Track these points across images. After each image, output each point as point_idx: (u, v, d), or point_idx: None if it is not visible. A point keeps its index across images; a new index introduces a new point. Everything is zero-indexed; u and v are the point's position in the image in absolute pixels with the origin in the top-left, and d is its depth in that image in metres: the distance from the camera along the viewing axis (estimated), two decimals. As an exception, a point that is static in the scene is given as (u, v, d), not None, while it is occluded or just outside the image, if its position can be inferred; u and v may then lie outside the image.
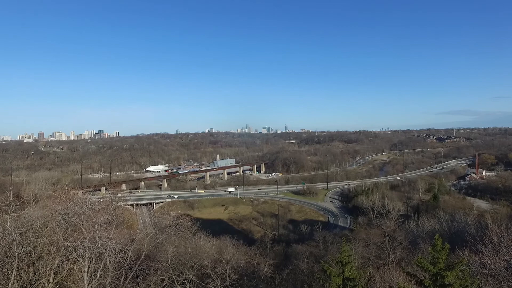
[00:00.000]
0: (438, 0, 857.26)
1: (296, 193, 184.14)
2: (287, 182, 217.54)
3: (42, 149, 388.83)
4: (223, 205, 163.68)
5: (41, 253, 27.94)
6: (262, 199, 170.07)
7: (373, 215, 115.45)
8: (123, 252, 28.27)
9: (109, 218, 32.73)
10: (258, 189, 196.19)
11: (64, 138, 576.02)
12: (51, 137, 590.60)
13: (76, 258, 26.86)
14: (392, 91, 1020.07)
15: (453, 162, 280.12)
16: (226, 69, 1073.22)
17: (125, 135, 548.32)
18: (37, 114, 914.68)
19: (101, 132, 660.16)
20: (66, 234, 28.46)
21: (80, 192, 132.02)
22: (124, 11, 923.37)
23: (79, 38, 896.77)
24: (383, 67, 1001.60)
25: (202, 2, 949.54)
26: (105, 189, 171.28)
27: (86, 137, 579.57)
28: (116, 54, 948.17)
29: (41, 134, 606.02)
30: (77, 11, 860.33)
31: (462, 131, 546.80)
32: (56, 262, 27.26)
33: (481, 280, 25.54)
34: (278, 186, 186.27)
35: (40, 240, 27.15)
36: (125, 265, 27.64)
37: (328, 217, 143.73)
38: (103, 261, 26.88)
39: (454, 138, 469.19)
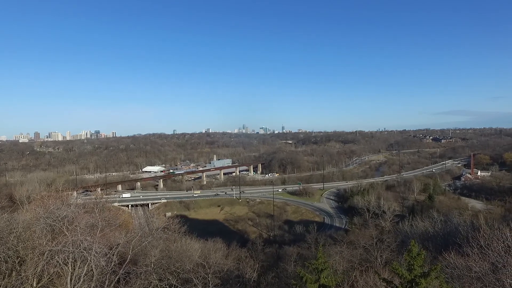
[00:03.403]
0: (435, 0, 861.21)
1: (292, 193, 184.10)
2: (283, 182, 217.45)
3: (38, 149, 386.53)
4: (219, 206, 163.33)
5: (24, 257, 27.58)
6: (258, 200, 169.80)
7: (369, 216, 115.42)
8: (107, 256, 27.92)
9: (94, 221, 32.37)
10: (254, 189, 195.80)
11: (60, 139, 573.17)
12: (47, 138, 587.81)
13: (59, 262, 26.50)
14: (389, 91, 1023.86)
15: (448, 163, 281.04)
16: (224, 69, 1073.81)
17: (122, 135, 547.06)
18: (33, 114, 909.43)
19: (97, 132, 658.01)
20: (49, 238, 28.07)
21: (74, 192, 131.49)
22: (121, 11, 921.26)
23: (75, 38, 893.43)
24: (379, 67, 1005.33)
25: (197, 1, 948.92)
26: (100, 189, 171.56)
27: (83, 138, 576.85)
28: (113, 53, 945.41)
29: (37, 134, 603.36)
30: (74, 10, 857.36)
31: (458, 131, 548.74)
32: (40, 266, 26.90)
33: (465, 283, 25.51)
34: (275, 187, 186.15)
35: (22, 244, 26.75)
36: (109, 269, 27.31)
37: (324, 218, 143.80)
38: (87, 265, 26.56)
39: (450, 138, 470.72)
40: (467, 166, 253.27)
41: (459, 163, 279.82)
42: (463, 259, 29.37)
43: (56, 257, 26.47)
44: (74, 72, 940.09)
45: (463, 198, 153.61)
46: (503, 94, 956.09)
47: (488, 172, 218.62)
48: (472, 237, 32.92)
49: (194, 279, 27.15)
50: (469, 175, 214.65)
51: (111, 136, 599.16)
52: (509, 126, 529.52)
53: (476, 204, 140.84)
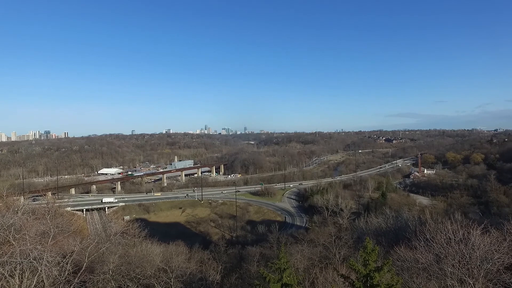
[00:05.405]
0: (386, 5, 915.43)
1: (255, 194, 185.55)
2: (246, 183, 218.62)
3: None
4: (180, 208, 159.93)
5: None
6: (220, 201, 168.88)
7: (328, 214, 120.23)
8: (60, 265, 26.36)
9: (45, 228, 30.30)
10: (217, 190, 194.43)
11: (4, 139, 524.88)
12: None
13: (4, 275, 24.53)
14: (346, 93, 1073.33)
15: (399, 162, 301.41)
16: (184, 69, 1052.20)
17: (75, 136, 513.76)
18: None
19: (47, 132, 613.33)
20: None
21: (22, 198, 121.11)
22: (74, 4, 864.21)
23: (23, 30, 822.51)
24: (337, 71, 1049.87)
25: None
26: (52, 194, 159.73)
27: (30, 138, 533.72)
28: (65, 48, 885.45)
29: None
30: (28, 4, 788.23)
31: (407, 132, 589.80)
32: (-19, 280, 24.71)
33: (413, 274, 27.74)
34: (237, 187, 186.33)
35: (-39, 257, 24.34)
36: (63, 279, 25.81)
37: (285, 217, 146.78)
38: (37, 276, 24.89)
39: (400, 139, 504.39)
40: (415, 165, 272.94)
41: (408, 162, 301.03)
42: (412, 252, 31.89)
43: (1, 269, 24.54)
44: (20, 66, 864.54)
45: (412, 195, 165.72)
46: (445, 99, 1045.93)
47: (433, 170, 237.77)
48: (419, 231, 35.82)
49: (155, 284, 26.58)
50: (417, 173, 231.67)
51: (63, 136, 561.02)
52: (451, 128, 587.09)
53: (423, 200, 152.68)
